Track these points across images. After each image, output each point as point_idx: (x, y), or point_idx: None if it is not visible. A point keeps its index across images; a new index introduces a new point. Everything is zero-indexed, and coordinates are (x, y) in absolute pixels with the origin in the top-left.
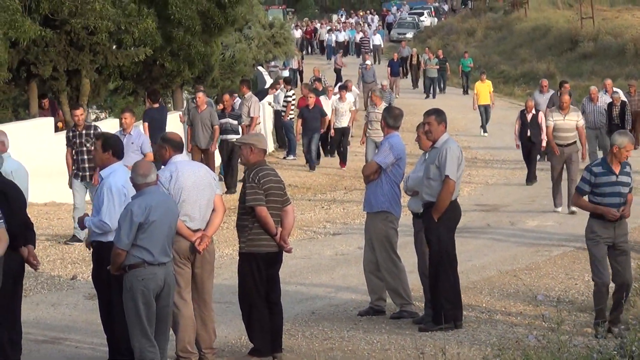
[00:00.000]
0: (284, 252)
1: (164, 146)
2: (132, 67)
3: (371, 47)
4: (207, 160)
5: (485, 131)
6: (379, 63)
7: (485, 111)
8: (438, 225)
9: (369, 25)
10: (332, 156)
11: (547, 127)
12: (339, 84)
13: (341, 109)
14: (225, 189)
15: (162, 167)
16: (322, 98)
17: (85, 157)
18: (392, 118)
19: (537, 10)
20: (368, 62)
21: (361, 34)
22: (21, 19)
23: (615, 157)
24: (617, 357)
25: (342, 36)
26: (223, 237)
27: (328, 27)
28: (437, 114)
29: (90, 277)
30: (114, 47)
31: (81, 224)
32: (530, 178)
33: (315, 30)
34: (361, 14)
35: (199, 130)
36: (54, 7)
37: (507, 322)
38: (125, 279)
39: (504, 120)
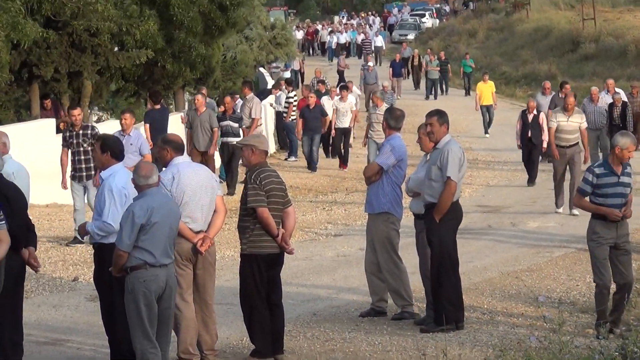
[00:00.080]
0: (285, 253)
1: (165, 148)
2: (133, 69)
3: (373, 48)
4: (207, 162)
5: (486, 132)
6: (381, 64)
7: (487, 112)
8: (439, 226)
9: (370, 26)
10: (333, 158)
11: (549, 128)
12: (340, 85)
13: (342, 109)
14: (226, 191)
15: (164, 168)
16: (324, 98)
17: (82, 157)
18: (393, 119)
19: (538, 11)
20: (370, 63)
21: (362, 36)
22: (23, 20)
23: (617, 158)
24: (618, 358)
25: (344, 38)
26: (224, 238)
27: (329, 29)
28: (440, 115)
29: (92, 278)
30: (116, 48)
31: (82, 231)
32: (532, 179)
33: (317, 31)
34: (363, 15)
35: (199, 132)
36: (56, 9)
37: (508, 323)
38: (126, 281)
39: (506, 121)
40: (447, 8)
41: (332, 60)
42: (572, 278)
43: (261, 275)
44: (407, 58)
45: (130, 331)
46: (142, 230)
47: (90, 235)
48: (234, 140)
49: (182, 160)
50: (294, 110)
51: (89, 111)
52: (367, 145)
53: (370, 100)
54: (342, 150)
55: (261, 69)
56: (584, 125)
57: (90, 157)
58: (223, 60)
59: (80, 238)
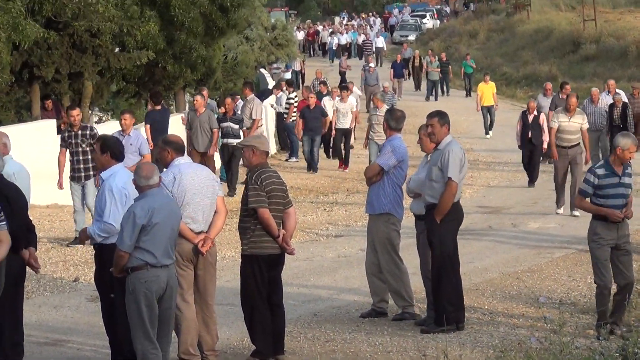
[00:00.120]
0: (286, 254)
1: (166, 149)
2: (134, 69)
3: (373, 49)
4: (207, 163)
5: (486, 133)
6: (381, 65)
7: (488, 112)
8: (440, 227)
9: (371, 27)
10: (333, 159)
11: (551, 128)
12: (340, 85)
13: (342, 109)
14: (226, 192)
15: (165, 169)
16: (326, 99)
17: (81, 157)
18: (394, 120)
19: (539, 12)
20: (372, 64)
21: (363, 36)
22: (23, 21)
23: (618, 159)
24: (619, 359)
25: (344, 39)
26: (225, 239)
27: (330, 30)
28: (440, 116)
29: (93, 279)
30: (117, 49)
31: (83, 238)
32: (533, 179)
33: (317, 32)
34: (363, 16)
35: (198, 133)
36: (57, 10)
37: (509, 324)
38: (127, 281)
39: (506, 122)
40: (448, 9)
41: (333, 61)
42: (572, 279)
43: (262, 276)
44: (407, 59)
45: (131, 332)
46: (143, 230)
47: (91, 238)
48: (234, 141)
49: (183, 161)
50: (294, 111)
51: (89, 112)
52: (368, 147)
53: (371, 102)
54: (343, 151)
55: (262, 70)
56: (586, 125)
57: (88, 157)
58: (224, 61)
59: (81, 244)
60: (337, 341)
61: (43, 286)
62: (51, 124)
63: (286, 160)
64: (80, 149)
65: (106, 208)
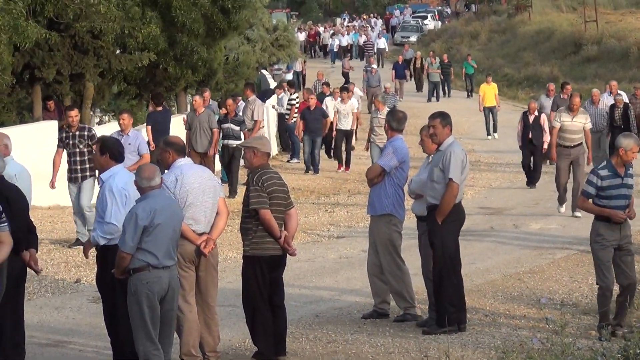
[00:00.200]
0: (287, 255)
1: (167, 150)
2: (135, 71)
3: (375, 50)
4: (207, 164)
5: (488, 134)
6: (383, 67)
7: (490, 113)
8: (442, 228)
9: (372, 28)
10: (334, 159)
11: (553, 128)
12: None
13: (343, 110)
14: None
15: (166, 170)
16: (328, 99)
17: (78, 158)
18: (395, 121)
19: (540, 13)
20: (374, 65)
21: (364, 37)
22: (24, 23)
23: (621, 160)
24: None
25: (345, 40)
26: (227, 240)
27: (331, 31)
28: (442, 117)
29: (94, 280)
30: (118, 51)
31: (87, 250)
32: (534, 180)
33: (319, 33)
34: (364, 17)
35: (197, 133)
36: (59, 10)
37: (510, 325)
38: (129, 283)
39: (508, 123)
40: (449, 10)
41: (334, 63)
42: (574, 280)
43: (264, 277)
44: (409, 60)
45: (133, 333)
46: (145, 232)
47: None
48: (234, 143)
49: (185, 163)
50: (296, 113)
51: (90, 113)
52: (369, 150)
53: (372, 104)
54: (344, 153)
55: (263, 71)
56: (588, 125)
57: (85, 158)
58: (225, 62)
59: (82, 233)
60: (339, 342)
61: (45, 287)
62: (52, 125)
63: (287, 161)
64: (77, 150)
65: (107, 209)
